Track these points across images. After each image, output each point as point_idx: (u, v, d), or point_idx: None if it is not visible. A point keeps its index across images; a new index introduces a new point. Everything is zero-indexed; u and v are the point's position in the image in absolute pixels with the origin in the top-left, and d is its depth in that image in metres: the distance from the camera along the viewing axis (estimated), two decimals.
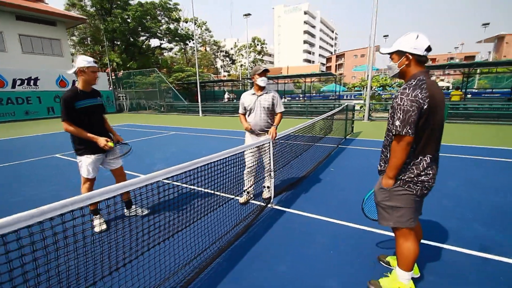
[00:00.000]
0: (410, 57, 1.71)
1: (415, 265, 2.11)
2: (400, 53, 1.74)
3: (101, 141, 2.78)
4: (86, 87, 2.88)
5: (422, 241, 2.56)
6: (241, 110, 3.68)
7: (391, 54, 1.79)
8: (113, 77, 25.93)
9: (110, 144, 2.83)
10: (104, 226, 2.89)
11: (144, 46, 33.32)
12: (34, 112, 18.08)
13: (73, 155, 6.74)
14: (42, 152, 7.20)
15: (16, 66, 18.00)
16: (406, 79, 1.77)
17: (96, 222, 2.90)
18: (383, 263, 2.34)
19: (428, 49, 1.68)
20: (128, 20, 28.26)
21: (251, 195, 3.74)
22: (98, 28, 29.95)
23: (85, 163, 2.87)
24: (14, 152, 7.50)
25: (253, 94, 3.53)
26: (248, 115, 3.59)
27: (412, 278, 2.00)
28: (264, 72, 3.41)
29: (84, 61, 2.75)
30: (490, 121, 11.25)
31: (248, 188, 3.63)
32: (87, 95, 2.86)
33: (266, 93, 3.50)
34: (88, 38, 32.14)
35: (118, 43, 30.84)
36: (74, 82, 20.16)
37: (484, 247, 2.53)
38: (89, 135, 2.77)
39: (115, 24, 27.21)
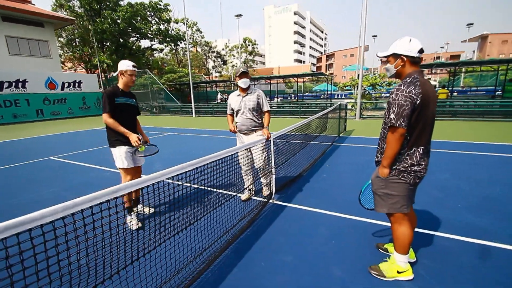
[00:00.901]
0: (405, 58, 1.88)
1: (411, 250, 2.28)
2: (395, 56, 1.92)
3: (133, 137, 2.98)
4: (125, 87, 3.14)
5: (417, 229, 2.74)
6: (229, 111, 3.81)
7: (387, 57, 1.96)
8: (103, 78, 25.61)
9: (141, 147, 3.04)
10: (139, 224, 3.00)
11: (135, 47, 32.96)
12: (23, 115, 17.72)
13: (69, 157, 6.75)
14: (36, 155, 7.13)
15: (3, 68, 17.60)
16: (402, 78, 1.94)
17: (131, 218, 3.01)
18: (381, 250, 2.50)
19: (421, 51, 1.85)
20: (118, 21, 27.90)
21: (253, 192, 3.87)
22: (87, 29, 29.46)
23: (118, 154, 3.03)
24: (8, 155, 7.41)
25: (239, 95, 3.62)
26: (236, 116, 3.69)
27: (409, 262, 2.16)
28: (243, 74, 3.47)
29: (124, 65, 3.05)
30: (475, 118, 11.71)
31: (249, 185, 3.76)
32: (125, 94, 3.13)
33: (251, 93, 3.57)
34: (77, 39, 31.55)
35: (108, 44, 30.41)
36: (63, 84, 19.82)
37: (473, 233, 2.72)
38: (124, 129, 2.98)
39: (105, 25, 26.84)
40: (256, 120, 3.60)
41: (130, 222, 2.98)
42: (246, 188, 3.76)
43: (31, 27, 20.23)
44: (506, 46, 59.78)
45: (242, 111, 3.58)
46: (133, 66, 3.10)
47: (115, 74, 3.17)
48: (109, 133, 3.08)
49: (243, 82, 3.48)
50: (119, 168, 3.10)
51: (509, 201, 3.42)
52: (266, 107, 3.64)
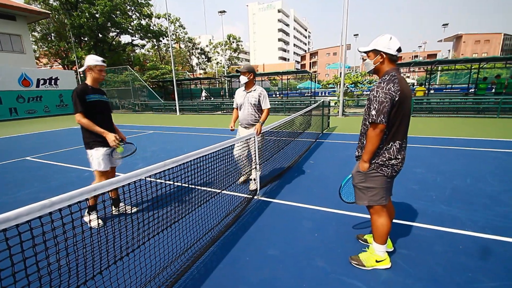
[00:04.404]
0: (384, 55, 1.95)
1: (389, 240, 2.39)
2: (375, 52, 1.98)
3: (111, 137, 2.87)
4: (94, 84, 3.01)
5: (394, 220, 2.87)
6: (234, 105, 4.07)
7: (368, 52, 2.03)
8: (81, 75, 24.58)
9: (120, 148, 2.94)
10: (100, 222, 2.90)
11: (114, 43, 31.86)
12: None
13: (46, 157, 6.47)
14: (10, 155, 6.78)
15: None
16: (380, 74, 2.02)
17: (92, 217, 2.89)
18: (361, 241, 2.60)
19: (399, 49, 1.94)
20: (97, 15, 26.81)
21: (249, 176, 4.05)
22: (63, 24, 28.13)
23: (96, 156, 2.92)
24: None
25: (244, 91, 3.90)
26: (240, 110, 3.95)
27: (387, 252, 2.27)
28: (241, 72, 3.79)
29: (92, 59, 2.91)
30: (450, 114, 12.28)
31: (245, 173, 3.99)
32: (95, 91, 2.99)
33: (255, 90, 3.84)
34: (52, 34, 30.06)
35: (86, 39, 29.21)
36: (38, 80, 18.90)
37: (446, 222, 2.89)
38: (100, 129, 2.87)
39: (82, 19, 25.72)
40: (256, 116, 3.86)
41: (90, 221, 2.77)
42: (243, 174, 4.05)
43: (1, 20, 19.03)
44: (479, 45, 62.98)
45: (244, 105, 3.85)
46: (102, 61, 2.97)
47: (81, 69, 3.00)
48: (84, 133, 2.95)
49: (242, 79, 3.80)
50: (95, 170, 2.99)
51: (477, 192, 3.65)
52: (264, 105, 3.85)
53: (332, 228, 2.88)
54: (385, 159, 2.01)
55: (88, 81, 2.98)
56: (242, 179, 4.16)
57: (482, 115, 11.56)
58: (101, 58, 2.98)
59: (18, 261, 1.21)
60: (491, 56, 17.21)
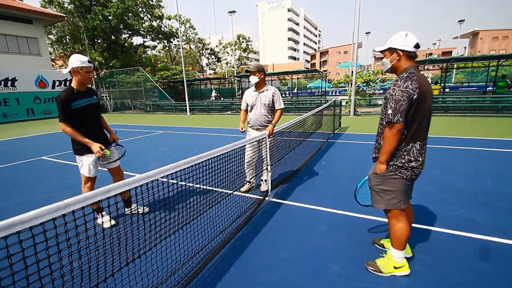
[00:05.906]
0: (400, 53, 1.87)
1: (408, 245, 2.29)
2: (391, 50, 1.90)
3: (95, 147, 2.77)
4: (81, 86, 2.82)
5: (413, 224, 2.76)
6: (243, 106, 3.91)
7: (383, 51, 1.95)
8: (95, 76, 25.17)
9: (107, 152, 2.87)
10: (113, 222, 2.93)
11: (127, 44, 32.45)
12: (13, 115, 17.32)
13: (61, 157, 6.62)
14: (27, 155, 6.98)
15: None
16: (398, 73, 1.93)
17: (105, 219, 2.92)
18: (378, 246, 2.51)
19: (417, 46, 1.84)
20: (109, 18, 27.38)
21: (253, 184, 3.95)
22: (77, 26, 28.87)
23: (86, 162, 2.88)
24: None
25: (255, 91, 3.74)
26: (250, 111, 3.78)
27: (406, 258, 2.17)
28: (249, 72, 3.64)
29: (77, 60, 2.67)
30: (467, 113, 11.85)
31: (250, 179, 3.86)
32: (82, 95, 2.81)
33: (267, 90, 3.69)
34: (67, 37, 30.91)
35: (99, 41, 29.85)
36: (54, 82, 19.47)
37: (467, 227, 2.76)
38: (84, 139, 2.76)
39: (96, 22, 26.31)
40: (270, 117, 3.72)
41: (102, 223, 2.83)
42: (247, 182, 3.87)
43: (19, 24, 19.70)
44: (497, 42, 60.71)
45: (256, 106, 3.70)
46: (88, 61, 2.71)
47: (65, 71, 2.73)
48: (73, 140, 2.84)
49: (251, 79, 3.64)
50: (82, 174, 2.94)
51: (498, 195, 3.48)
52: (278, 105, 3.72)
53: (346, 231, 2.80)
54: (404, 161, 1.92)
55: (74, 84, 2.74)
56: (246, 187, 3.90)
57: (501, 114, 11.11)
58: (87, 58, 2.71)
59: (32, 263, 1.21)
60: (510, 53, 16.52)
